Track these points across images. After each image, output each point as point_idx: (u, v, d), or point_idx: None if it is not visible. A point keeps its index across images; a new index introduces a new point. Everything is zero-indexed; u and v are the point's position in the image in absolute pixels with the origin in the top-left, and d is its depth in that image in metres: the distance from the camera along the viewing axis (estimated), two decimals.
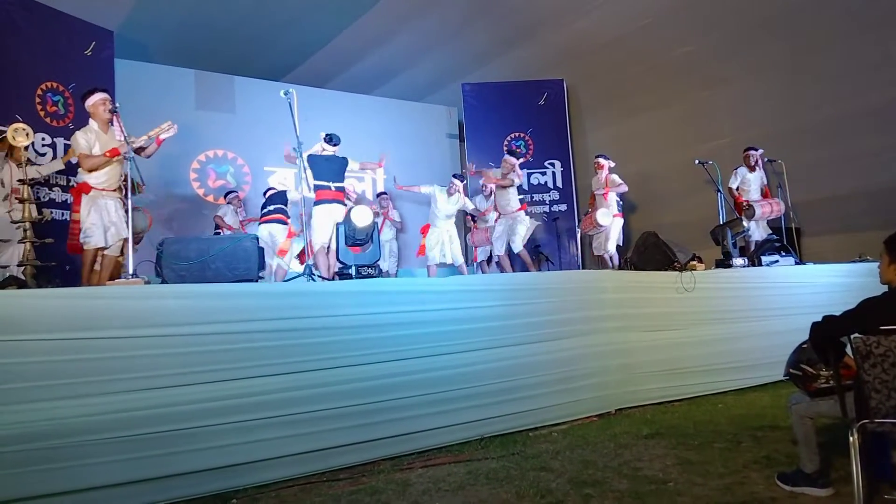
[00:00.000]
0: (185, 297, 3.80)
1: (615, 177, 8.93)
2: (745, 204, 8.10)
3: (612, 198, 8.88)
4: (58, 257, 5.63)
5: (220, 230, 8.90)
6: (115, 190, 5.40)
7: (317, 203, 6.74)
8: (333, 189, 6.78)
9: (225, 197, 9.47)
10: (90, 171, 5.23)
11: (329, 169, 6.81)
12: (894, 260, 2.98)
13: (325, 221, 6.60)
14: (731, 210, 8.23)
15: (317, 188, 6.72)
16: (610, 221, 8.75)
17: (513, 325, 4.94)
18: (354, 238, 5.93)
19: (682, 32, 9.81)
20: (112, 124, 5.40)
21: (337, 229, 6.06)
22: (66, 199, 7.26)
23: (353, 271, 5.57)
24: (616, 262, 8.67)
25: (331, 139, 6.88)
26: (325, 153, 6.85)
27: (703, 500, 3.26)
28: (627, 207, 9.36)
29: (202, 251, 4.53)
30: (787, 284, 6.61)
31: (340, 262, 5.97)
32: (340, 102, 11.38)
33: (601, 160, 9.00)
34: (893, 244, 3.01)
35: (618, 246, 8.94)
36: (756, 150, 8.24)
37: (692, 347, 5.85)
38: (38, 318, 3.30)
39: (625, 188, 8.96)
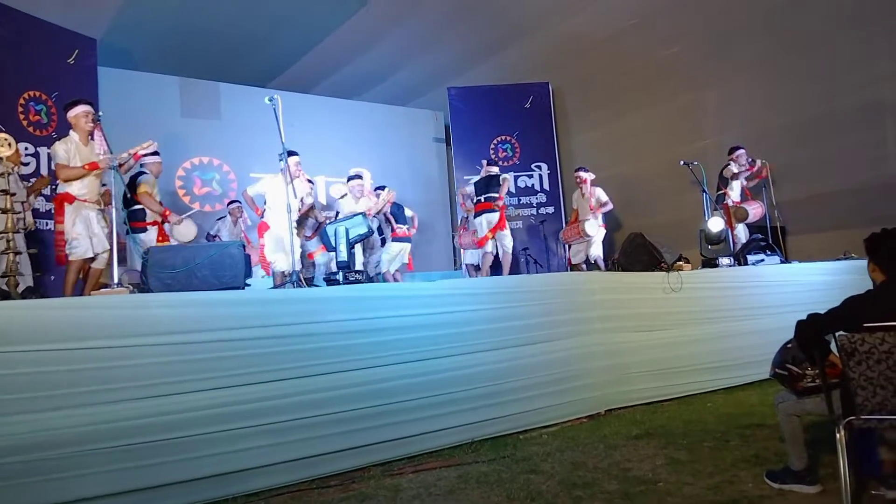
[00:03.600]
0: (172, 305, 3.78)
1: (601, 194, 8.96)
2: (736, 206, 8.09)
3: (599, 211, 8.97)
4: (42, 267, 5.57)
5: None
6: (95, 202, 5.39)
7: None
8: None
9: (229, 205, 9.17)
10: (66, 181, 5.24)
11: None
12: (872, 260, 3.02)
13: None
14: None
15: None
16: (597, 232, 8.82)
17: (501, 328, 4.94)
18: (356, 239, 5.93)
19: (667, 34, 9.88)
20: (92, 137, 5.38)
21: (337, 231, 6.03)
22: (51, 209, 7.18)
23: (340, 277, 5.55)
24: (602, 265, 8.69)
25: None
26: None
27: (693, 499, 3.27)
28: (613, 210, 9.39)
29: (188, 259, 4.46)
30: (773, 283, 6.64)
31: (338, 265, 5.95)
32: (326, 108, 11.38)
33: (582, 173, 9.02)
34: (871, 245, 3.04)
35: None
36: (744, 149, 8.29)
37: (680, 347, 5.87)
38: (23, 329, 3.27)
39: (610, 206, 9.01)
